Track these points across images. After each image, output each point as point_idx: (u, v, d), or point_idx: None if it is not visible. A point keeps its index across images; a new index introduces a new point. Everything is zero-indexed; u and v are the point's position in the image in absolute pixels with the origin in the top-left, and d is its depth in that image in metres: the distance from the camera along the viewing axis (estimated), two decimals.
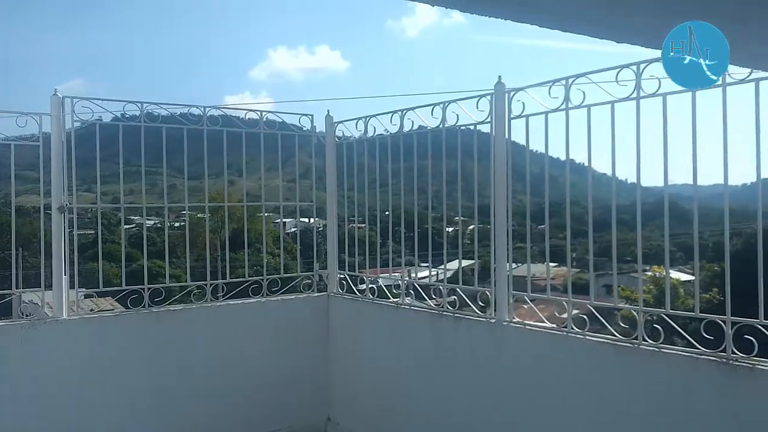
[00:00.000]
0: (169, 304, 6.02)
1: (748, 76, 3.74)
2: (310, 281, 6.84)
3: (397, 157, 6.11)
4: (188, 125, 6.13)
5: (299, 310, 6.67)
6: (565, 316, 4.68)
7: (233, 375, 6.23)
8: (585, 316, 4.59)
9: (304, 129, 6.84)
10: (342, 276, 6.79)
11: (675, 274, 24.32)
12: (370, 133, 6.38)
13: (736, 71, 3.79)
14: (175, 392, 5.98)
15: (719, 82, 3.85)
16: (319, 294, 6.81)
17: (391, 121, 6.01)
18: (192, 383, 6.04)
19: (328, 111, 6.91)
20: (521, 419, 4.90)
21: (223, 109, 6.51)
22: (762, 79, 3.71)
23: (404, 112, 5.86)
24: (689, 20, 2.30)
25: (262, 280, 6.47)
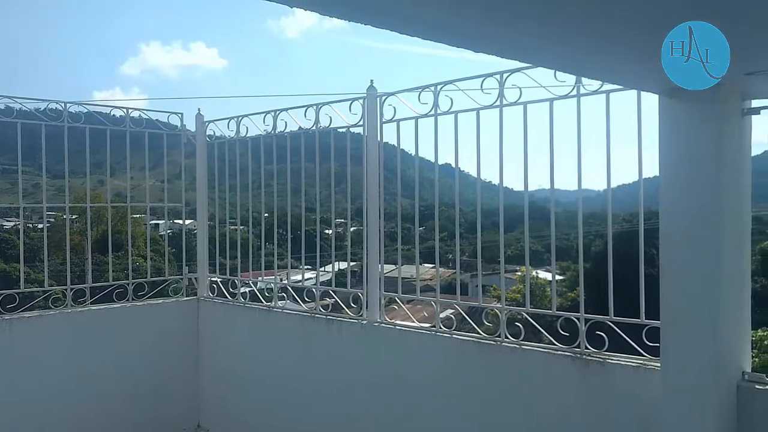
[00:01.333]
0: (24, 311, 5.64)
1: (600, 87, 3.99)
2: (178, 285, 6.63)
3: (274, 158, 6.05)
4: (47, 121, 5.77)
5: (167, 315, 6.45)
6: (443, 315, 4.81)
7: (95, 384, 5.93)
8: (453, 316, 4.73)
9: (175, 127, 6.62)
10: (213, 279, 6.62)
11: (543, 274, 25.53)
12: (242, 133, 6.27)
13: (589, 83, 4.05)
14: (33, 406, 5.59)
15: (574, 93, 4.09)
16: (188, 298, 6.62)
17: (264, 122, 5.96)
18: (49, 395, 5.68)
19: (198, 110, 6.74)
20: (392, 417, 4.98)
21: (88, 106, 6.20)
22: (612, 91, 3.97)
23: (277, 113, 5.82)
24: (547, 31, 2.42)
25: (128, 284, 6.20)
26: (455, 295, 4.84)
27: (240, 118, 6.21)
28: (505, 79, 4.34)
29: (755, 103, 3.55)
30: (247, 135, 6.23)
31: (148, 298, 6.40)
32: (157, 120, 6.61)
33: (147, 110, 6.56)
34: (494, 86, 4.39)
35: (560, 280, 27.35)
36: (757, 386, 3.47)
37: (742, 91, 3.45)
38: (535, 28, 2.30)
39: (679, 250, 3.45)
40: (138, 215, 7.34)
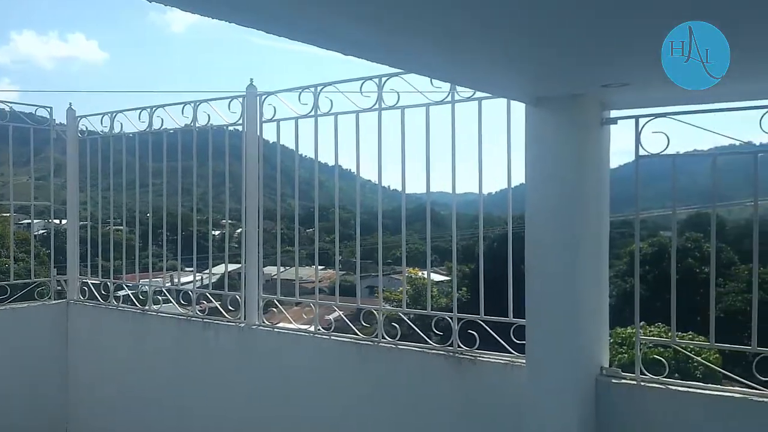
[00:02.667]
0: None
1: (473, 95, 4.11)
2: (46, 288, 6.28)
3: (150, 156, 5.83)
4: None
5: (33, 319, 6.09)
6: (331, 317, 4.81)
7: None
8: (343, 317, 4.75)
9: (45, 121, 6.25)
10: (85, 282, 6.31)
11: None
12: (117, 130, 6.01)
13: (463, 90, 4.16)
14: None
15: (449, 99, 4.20)
16: (57, 302, 6.28)
17: (139, 118, 5.73)
18: None
19: (70, 104, 6.40)
20: (271, 420, 4.94)
21: None
22: (484, 98, 4.10)
23: (153, 109, 5.62)
24: (408, 39, 2.47)
25: None
26: (351, 297, 4.83)
27: (114, 113, 5.95)
28: (384, 82, 4.40)
29: (614, 113, 3.78)
30: (122, 131, 5.98)
31: (11, 302, 6.01)
32: (20, 113, 6.22)
33: (14, 102, 6.20)
34: (373, 89, 4.44)
35: (446, 281, 28.05)
36: (613, 380, 3.70)
37: (601, 102, 3.66)
38: (406, 38, 2.35)
39: (542, 253, 3.62)
40: (6, 213, 6.88)
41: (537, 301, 3.63)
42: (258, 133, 5.09)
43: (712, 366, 11.52)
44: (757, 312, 3.51)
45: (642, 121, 3.62)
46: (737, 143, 3.67)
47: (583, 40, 2.45)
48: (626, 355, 15.31)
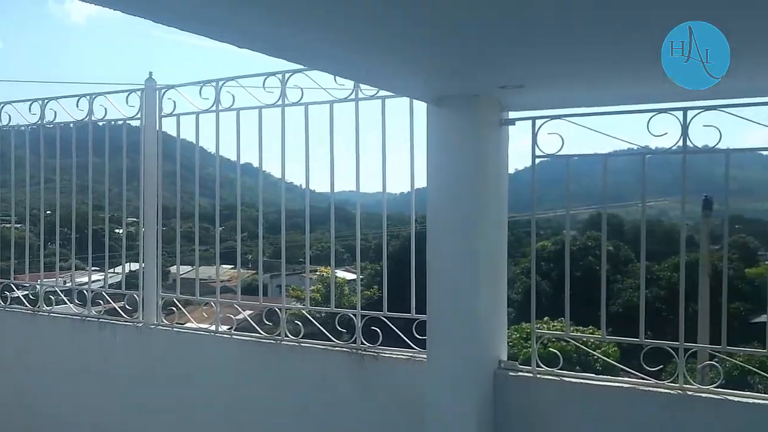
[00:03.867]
0: None
1: (377, 93, 4.13)
2: None
3: (41, 150, 5.53)
4: None
5: None
6: (240, 317, 4.73)
7: None
8: (231, 318, 4.69)
9: None
10: None
11: (342, 274, 26.11)
12: (5, 122, 5.68)
13: (368, 88, 4.17)
14: None
15: (353, 97, 4.20)
16: None
17: (30, 111, 5.43)
18: None
19: None
20: (172, 420, 4.82)
21: None
22: (388, 97, 4.12)
23: (45, 102, 5.35)
24: (304, 33, 2.44)
25: None
26: (248, 296, 4.75)
27: (2, 105, 5.63)
28: (287, 78, 4.35)
29: (513, 114, 3.88)
30: (10, 124, 5.65)
31: None
32: None
33: None
34: (277, 85, 4.39)
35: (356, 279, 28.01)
36: (510, 373, 3.81)
37: (500, 103, 3.75)
38: (299, 30, 2.33)
39: (442, 250, 3.68)
40: None
41: (437, 298, 3.69)
42: (157, 128, 4.93)
43: (603, 357, 12.23)
44: (644, 306, 3.71)
45: (538, 122, 3.74)
46: (635, 146, 3.83)
47: (479, 41, 2.50)
48: (541, 350, 15.81)
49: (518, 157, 4.26)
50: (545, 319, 15.52)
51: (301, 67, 4.17)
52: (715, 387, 3.42)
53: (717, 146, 3.39)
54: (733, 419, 3.29)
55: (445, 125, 3.63)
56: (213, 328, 4.70)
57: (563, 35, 2.39)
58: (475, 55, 2.77)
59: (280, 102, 4.40)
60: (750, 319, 25.52)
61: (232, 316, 4.79)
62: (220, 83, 4.59)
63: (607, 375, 3.72)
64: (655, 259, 29.94)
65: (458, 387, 3.66)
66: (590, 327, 15.60)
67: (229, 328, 4.65)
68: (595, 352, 11.82)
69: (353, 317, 4.28)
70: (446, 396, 3.69)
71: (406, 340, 4.11)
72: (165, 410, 4.84)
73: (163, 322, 4.94)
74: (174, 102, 4.83)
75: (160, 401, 4.86)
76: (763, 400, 3.24)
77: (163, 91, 4.89)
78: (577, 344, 6.49)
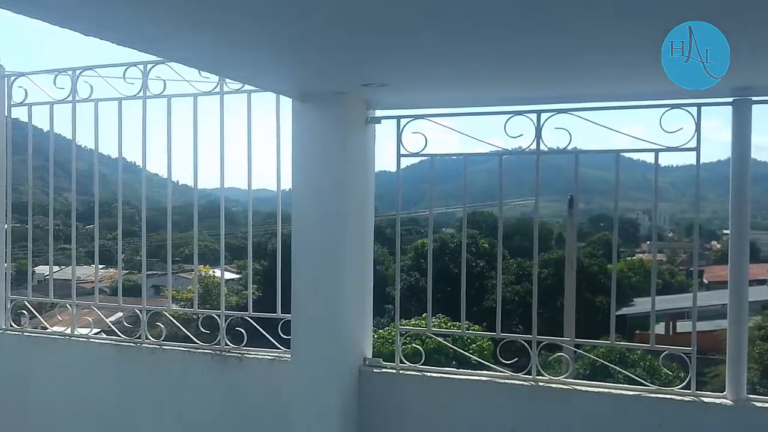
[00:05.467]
0: None
1: (242, 87, 4.03)
2: None
3: None
4: None
5: None
6: (113, 319, 4.49)
7: None
8: (90, 319, 4.47)
9: None
10: None
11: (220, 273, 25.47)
12: None
13: (233, 82, 4.07)
14: None
15: (217, 90, 4.10)
16: None
17: None
18: None
19: None
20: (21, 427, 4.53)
21: None
22: (254, 91, 4.04)
23: None
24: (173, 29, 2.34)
25: None
26: (131, 297, 4.53)
27: None
28: (149, 69, 4.19)
29: (380, 113, 3.91)
30: None
31: None
32: None
33: None
34: (138, 76, 4.21)
35: (238, 279, 27.62)
36: (374, 370, 3.84)
37: (366, 101, 3.76)
38: (151, 19, 2.24)
39: (307, 249, 3.66)
40: None
41: (301, 297, 3.67)
42: (6, 116, 4.60)
43: (462, 351, 12.65)
44: (501, 302, 3.85)
45: (403, 121, 3.79)
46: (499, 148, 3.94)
47: (340, 39, 2.49)
48: (409, 347, 16.15)
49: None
50: (423, 315, 15.88)
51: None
52: (564, 377, 3.59)
53: (566, 147, 3.56)
54: (579, 407, 3.48)
55: (309, 122, 3.61)
56: (87, 331, 4.45)
57: (420, 38, 2.43)
58: (339, 54, 2.76)
59: (141, 93, 4.22)
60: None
61: (106, 319, 4.54)
62: (78, 72, 4.34)
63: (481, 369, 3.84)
64: (527, 255, 31.24)
65: (321, 385, 3.66)
66: (468, 322, 16.10)
67: (94, 332, 4.40)
68: (458, 349, 12.20)
69: (217, 318, 4.18)
70: (309, 394, 3.67)
71: (272, 340, 4.06)
72: (15, 418, 4.55)
73: (11, 326, 4.62)
74: (25, 90, 4.53)
75: (11, 408, 4.56)
76: (605, 389, 3.45)
77: (12, 78, 4.56)
78: (442, 341, 6.58)
